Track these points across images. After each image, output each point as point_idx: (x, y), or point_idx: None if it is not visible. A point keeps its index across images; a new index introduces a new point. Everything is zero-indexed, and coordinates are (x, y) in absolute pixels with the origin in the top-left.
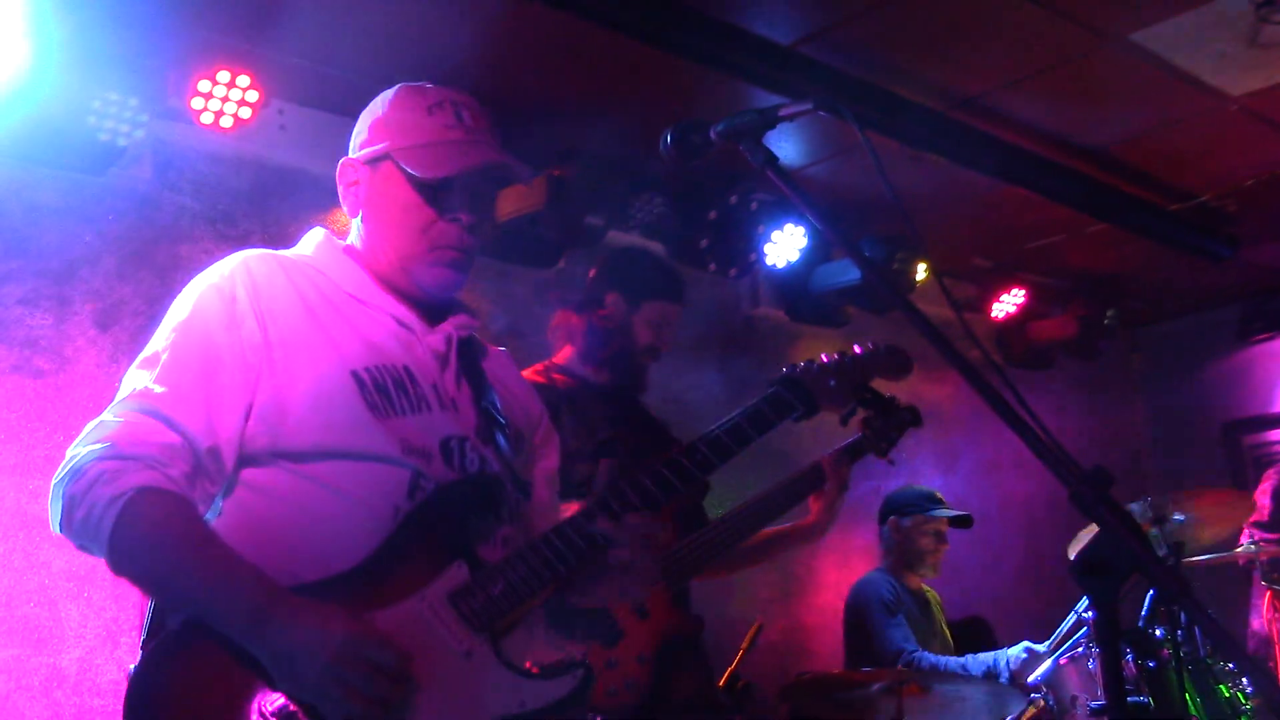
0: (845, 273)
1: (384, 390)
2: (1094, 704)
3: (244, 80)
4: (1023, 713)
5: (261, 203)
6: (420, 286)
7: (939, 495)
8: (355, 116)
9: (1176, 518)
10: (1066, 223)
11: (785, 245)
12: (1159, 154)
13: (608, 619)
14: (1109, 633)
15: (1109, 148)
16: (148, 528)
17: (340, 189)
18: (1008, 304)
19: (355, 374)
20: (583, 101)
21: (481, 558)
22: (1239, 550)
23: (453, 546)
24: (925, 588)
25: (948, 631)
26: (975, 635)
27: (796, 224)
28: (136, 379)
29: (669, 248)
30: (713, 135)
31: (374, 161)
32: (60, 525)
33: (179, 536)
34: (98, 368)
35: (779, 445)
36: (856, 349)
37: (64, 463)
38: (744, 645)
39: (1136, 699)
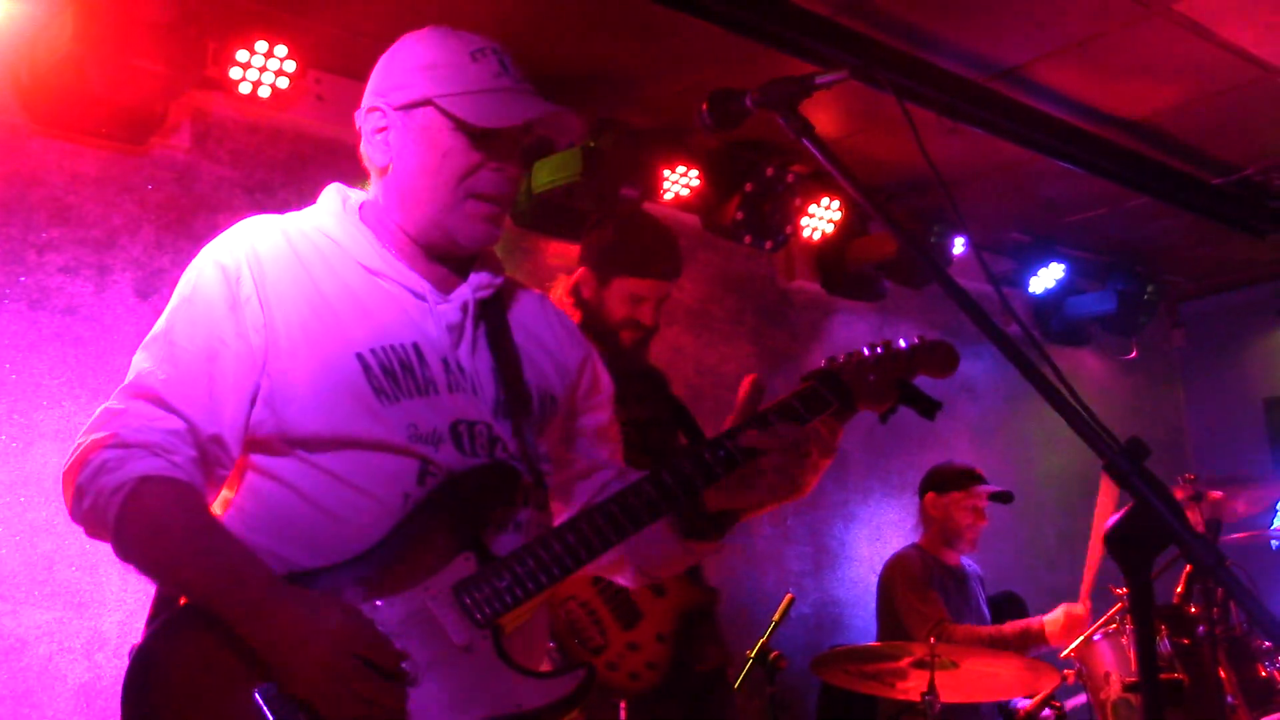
0: (882, 246)
1: (390, 373)
2: (1127, 680)
3: (281, 50)
4: (1055, 689)
5: (299, 172)
6: (455, 242)
7: (978, 471)
8: None
9: (1214, 495)
10: (1106, 196)
11: (821, 218)
12: (1202, 127)
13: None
14: (1142, 605)
15: (1150, 120)
16: (148, 518)
17: (365, 136)
18: (1046, 279)
19: (360, 357)
20: (618, 72)
21: (491, 549)
22: (1271, 529)
23: (461, 537)
24: (963, 563)
25: (985, 608)
26: (1009, 611)
27: (832, 197)
28: (141, 362)
29: (704, 220)
30: (748, 103)
31: (409, 107)
32: (71, 514)
33: (179, 526)
34: (138, 336)
35: None
36: (901, 343)
37: (71, 451)
38: (775, 618)
39: (1171, 677)
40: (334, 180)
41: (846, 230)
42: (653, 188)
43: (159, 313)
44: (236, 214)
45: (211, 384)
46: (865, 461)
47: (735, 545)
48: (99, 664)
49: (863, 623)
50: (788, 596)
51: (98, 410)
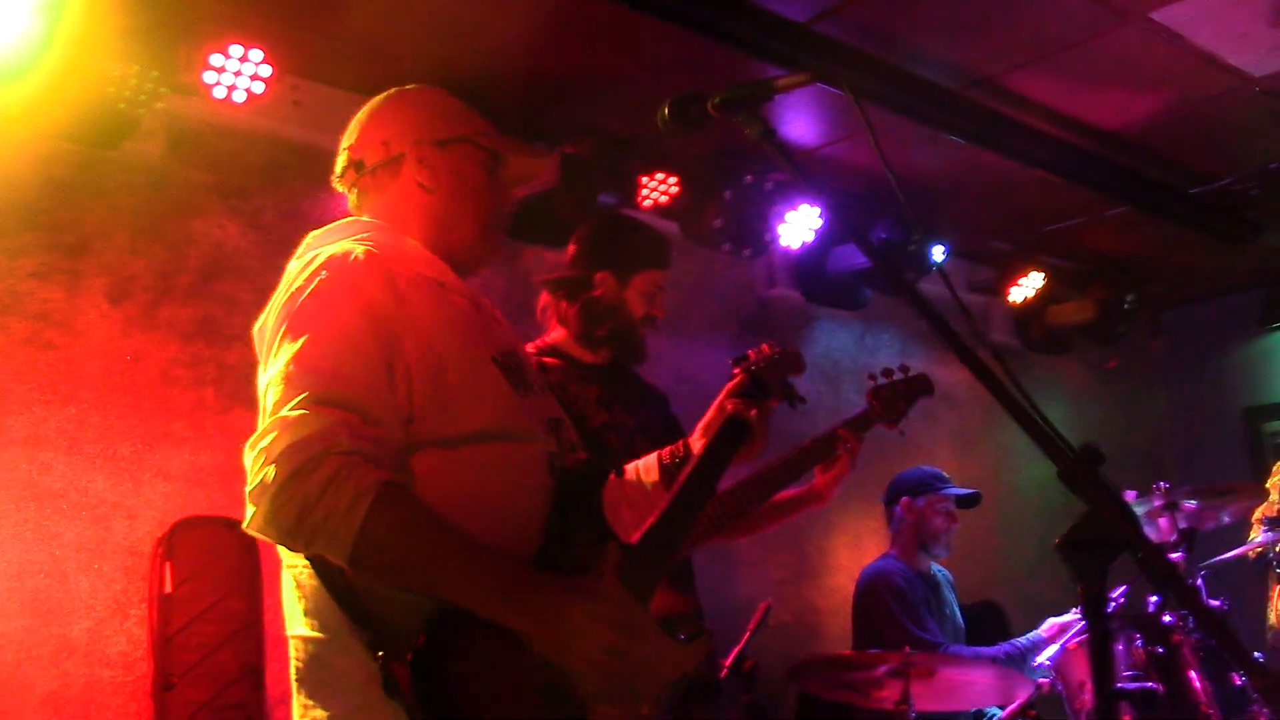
0: (861, 254)
1: (517, 371)
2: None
3: (256, 54)
4: (1031, 697)
5: (275, 177)
6: (480, 262)
7: (946, 474)
8: (370, 93)
9: (1189, 504)
10: (1086, 205)
11: (801, 226)
12: (1179, 136)
13: None
14: (1094, 612)
15: (1127, 129)
16: (399, 520)
17: (413, 168)
18: (1026, 287)
19: (494, 359)
20: (597, 79)
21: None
22: (1249, 544)
23: (598, 525)
24: (934, 569)
25: (959, 613)
26: (988, 620)
27: (812, 204)
28: (318, 362)
29: (683, 227)
30: (709, 107)
31: (447, 143)
32: (288, 524)
33: (432, 526)
34: (109, 341)
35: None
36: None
37: (275, 462)
38: (751, 626)
39: (1146, 685)
40: (309, 186)
41: (826, 238)
42: (631, 194)
43: (131, 319)
44: (211, 220)
45: (394, 392)
46: None
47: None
48: (68, 671)
49: (842, 631)
50: (764, 605)
51: (283, 417)
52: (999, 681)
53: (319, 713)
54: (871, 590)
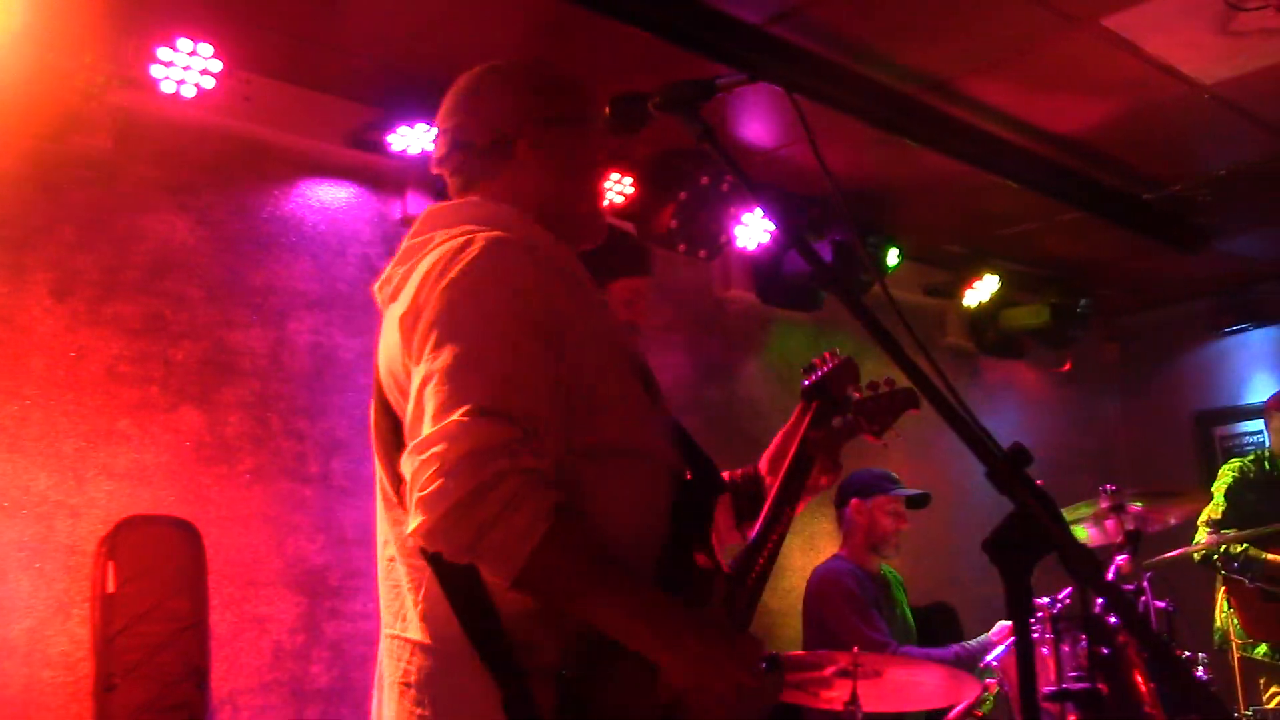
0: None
1: (647, 378)
2: (1047, 690)
3: (206, 49)
4: (978, 699)
5: (224, 173)
6: (593, 238)
7: (896, 475)
8: (324, 90)
9: (1134, 506)
10: (1039, 210)
11: (756, 227)
12: (1131, 142)
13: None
14: (1019, 611)
15: (1080, 134)
16: (571, 547)
17: (527, 149)
18: (980, 291)
19: (632, 360)
20: None
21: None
22: (1194, 546)
23: (707, 551)
24: (884, 569)
25: (909, 614)
26: (939, 621)
27: (757, 205)
28: (486, 368)
29: (639, 228)
30: (651, 106)
31: (555, 121)
32: (464, 539)
33: (595, 554)
34: (53, 337)
35: (751, 431)
36: (835, 360)
37: (451, 474)
38: None
39: (1090, 686)
40: (259, 181)
41: (782, 239)
42: None
43: (76, 314)
44: (159, 215)
45: (555, 402)
46: None
47: None
48: (7, 672)
49: (795, 633)
50: None
51: (450, 425)
52: (947, 682)
53: None
54: (821, 591)
